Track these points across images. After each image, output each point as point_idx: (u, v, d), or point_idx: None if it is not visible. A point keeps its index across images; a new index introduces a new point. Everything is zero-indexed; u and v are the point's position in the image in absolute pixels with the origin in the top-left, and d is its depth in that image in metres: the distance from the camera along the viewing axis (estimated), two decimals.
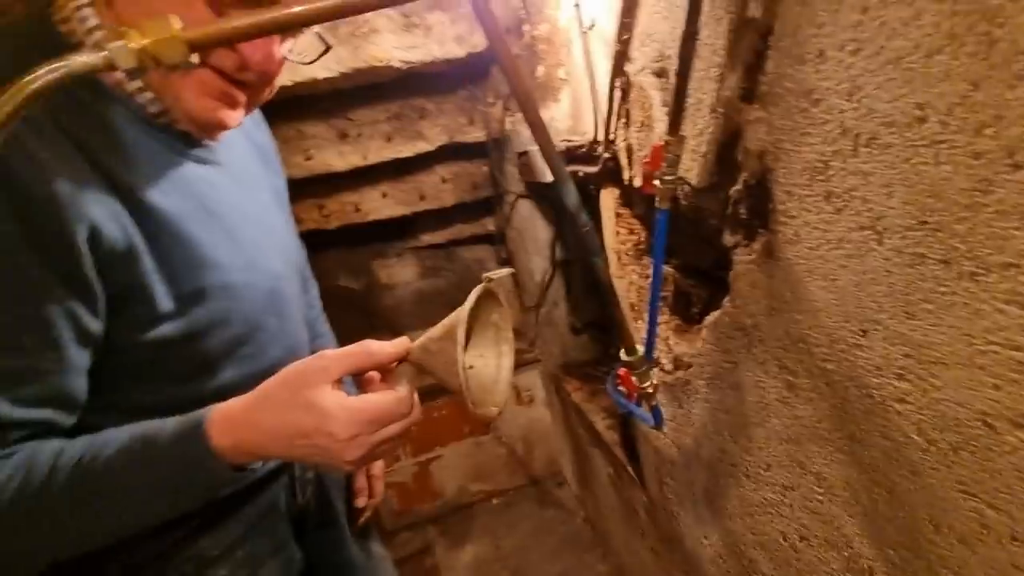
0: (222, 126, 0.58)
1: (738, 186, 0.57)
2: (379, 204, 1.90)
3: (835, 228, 0.45)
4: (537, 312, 1.92)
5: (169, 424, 0.52)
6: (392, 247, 2.22)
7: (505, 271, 0.60)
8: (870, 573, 0.53)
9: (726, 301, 0.65)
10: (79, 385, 0.53)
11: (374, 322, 2.25)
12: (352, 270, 2.19)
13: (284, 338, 0.73)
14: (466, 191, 1.94)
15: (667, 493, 1.04)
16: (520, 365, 2.20)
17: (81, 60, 0.29)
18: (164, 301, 0.56)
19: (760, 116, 0.51)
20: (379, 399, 0.52)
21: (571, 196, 0.53)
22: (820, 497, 0.57)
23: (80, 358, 0.52)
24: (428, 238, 2.17)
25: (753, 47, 0.50)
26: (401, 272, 2.27)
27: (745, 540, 0.77)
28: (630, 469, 1.26)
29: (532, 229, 1.75)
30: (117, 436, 0.52)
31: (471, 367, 0.57)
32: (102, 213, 0.50)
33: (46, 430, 0.52)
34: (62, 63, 0.29)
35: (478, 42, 1.42)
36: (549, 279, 1.80)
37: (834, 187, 0.44)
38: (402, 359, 0.54)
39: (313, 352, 0.57)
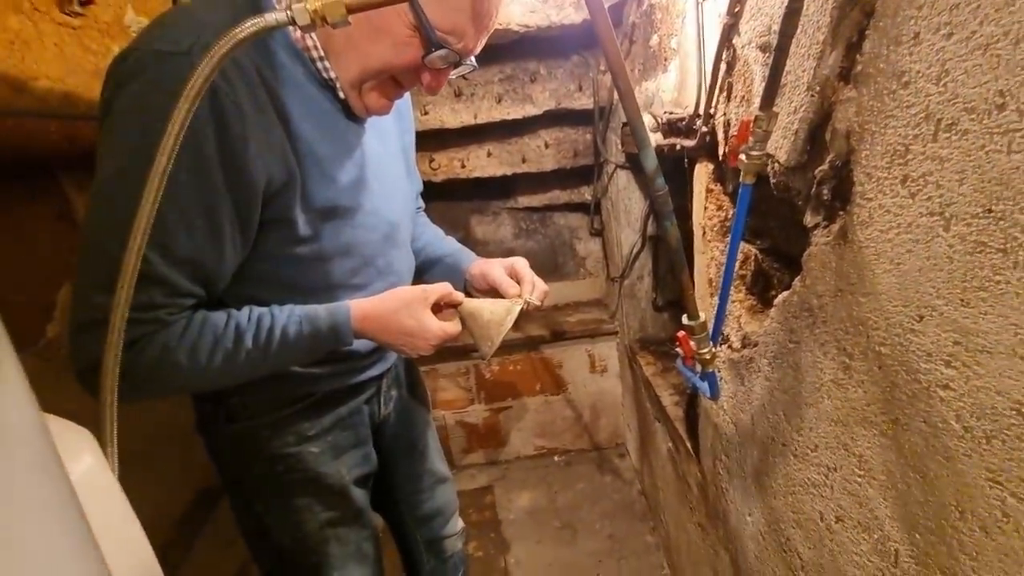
0: (384, 114, 0.75)
1: (824, 167, 0.58)
2: (483, 162, 2.00)
3: (907, 212, 0.46)
4: (620, 284, 1.94)
5: (321, 309, 0.74)
6: (491, 205, 2.33)
7: (537, 298, 0.88)
8: (896, 555, 0.54)
9: (797, 281, 0.66)
10: (227, 276, 0.69)
11: None
12: (452, 223, 2.34)
13: (389, 274, 0.86)
14: (567, 157, 1.98)
15: (719, 469, 1.06)
16: (598, 335, 2.26)
17: (274, 16, 0.40)
18: (303, 227, 0.71)
19: (851, 96, 0.51)
20: (451, 327, 0.78)
21: (650, 160, 0.57)
22: (859, 479, 0.59)
23: (234, 257, 0.67)
24: (525, 200, 2.25)
25: (856, 25, 0.50)
26: (496, 230, 2.38)
27: (785, 518, 0.78)
28: (688, 444, 1.29)
29: (627, 200, 1.76)
30: (283, 310, 0.73)
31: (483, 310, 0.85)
32: (278, 160, 0.64)
33: (199, 305, 0.68)
34: (259, 19, 0.40)
35: None
36: (637, 252, 1.81)
37: (911, 171, 0.44)
38: (457, 305, 0.82)
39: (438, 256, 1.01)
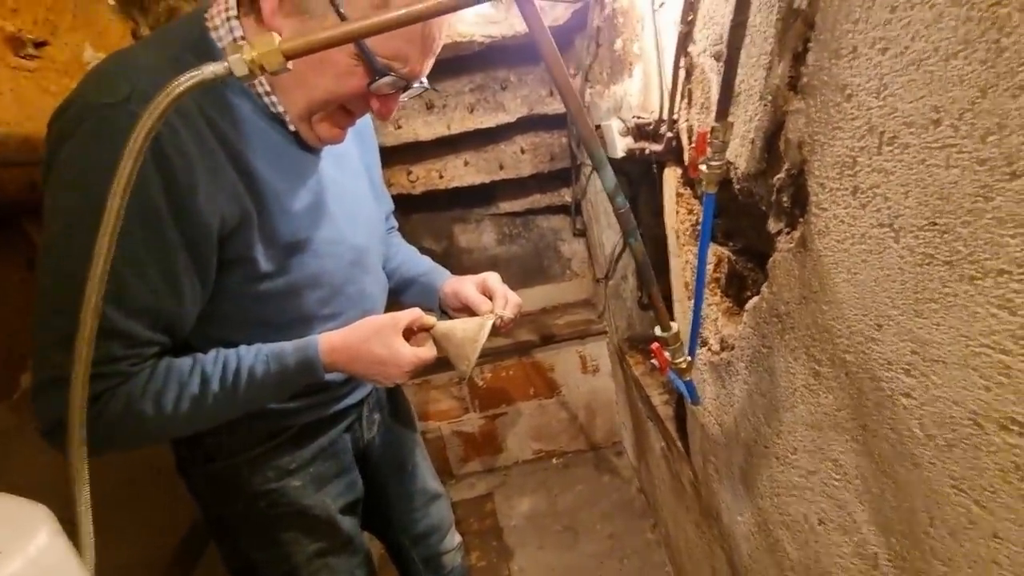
0: (337, 143, 0.74)
1: (781, 175, 0.58)
2: (461, 172, 2.00)
3: (859, 223, 0.46)
4: (605, 284, 1.94)
5: (288, 346, 0.73)
6: (472, 213, 2.32)
7: (511, 312, 0.89)
8: (875, 559, 0.54)
9: (765, 287, 0.66)
10: (189, 319, 0.68)
11: None
12: (434, 233, 2.33)
13: (362, 302, 0.85)
14: (544, 162, 1.98)
15: (710, 470, 1.07)
16: (587, 335, 2.27)
17: (210, 69, 0.39)
18: (264, 263, 0.70)
19: (800, 107, 0.51)
20: (425, 352, 0.76)
21: (608, 180, 0.57)
22: (836, 483, 0.59)
23: (194, 301, 0.66)
24: (507, 206, 2.24)
25: (800, 36, 0.50)
26: (480, 237, 2.38)
27: (773, 519, 0.79)
28: (680, 444, 1.29)
29: (605, 202, 1.76)
30: (250, 350, 0.72)
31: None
32: (230, 201, 0.63)
33: (163, 352, 0.67)
34: (197, 71, 0.39)
35: (559, 15, 1.43)
36: (619, 252, 1.81)
37: (860, 183, 0.45)
38: (429, 328, 0.81)
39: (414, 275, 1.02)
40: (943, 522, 0.43)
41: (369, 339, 0.73)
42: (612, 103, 1.31)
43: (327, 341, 0.73)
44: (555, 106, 1.78)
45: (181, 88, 0.41)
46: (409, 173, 1.98)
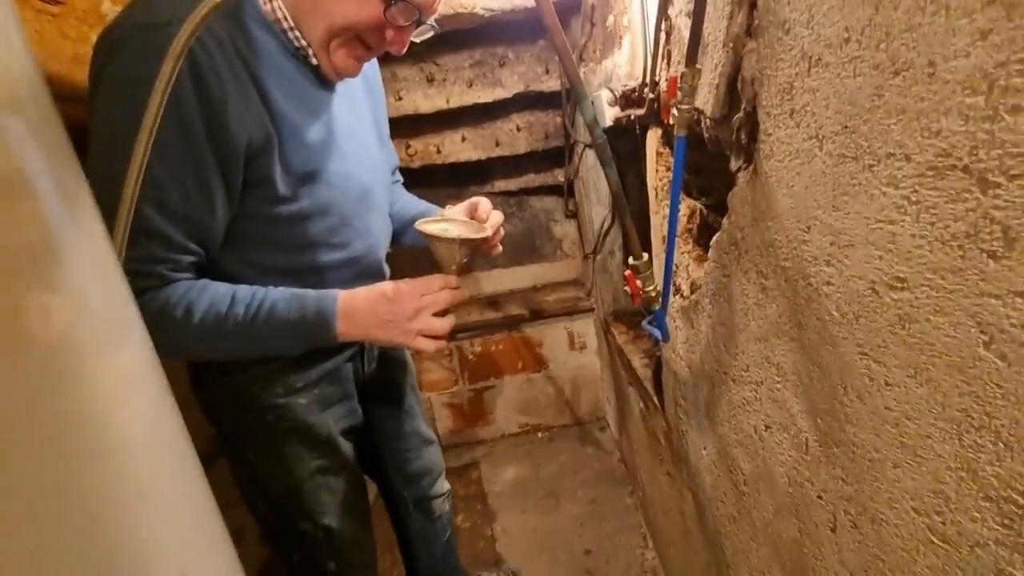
0: (352, 75, 0.81)
1: (740, 114, 0.66)
2: (458, 147, 2.07)
3: (794, 140, 0.54)
4: (593, 259, 2.02)
5: (311, 291, 0.80)
6: (468, 191, 2.40)
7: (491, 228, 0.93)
8: (806, 444, 0.63)
9: (724, 219, 0.74)
10: (218, 233, 0.75)
11: None
12: None
13: (367, 235, 0.93)
14: (539, 140, 2.06)
15: (679, 414, 1.15)
16: (576, 312, 2.35)
17: None
18: (282, 187, 0.77)
19: (753, 48, 0.60)
20: (425, 277, 0.81)
21: (587, 111, 0.65)
22: (778, 386, 0.67)
23: (223, 214, 0.74)
24: (502, 185, 2.32)
25: None
26: None
27: (729, 440, 0.87)
28: (655, 399, 1.38)
29: (596, 178, 1.85)
30: (279, 290, 0.79)
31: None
32: (255, 122, 0.71)
33: (198, 263, 0.75)
34: None
35: None
36: (608, 227, 1.89)
37: (795, 104, 0.53)
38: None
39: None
40: (852, 387, 0.51)
41: (382, 291, 0.81)
42: (603, 77, 1.39)
43: (346, 293, 0.81)
44: (551, 84, 1.86)
45: (216, 1, 0.48)
46: (408, 147, 2.05)
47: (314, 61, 0.77)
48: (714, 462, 0.98)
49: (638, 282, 0.79)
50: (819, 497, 0.62)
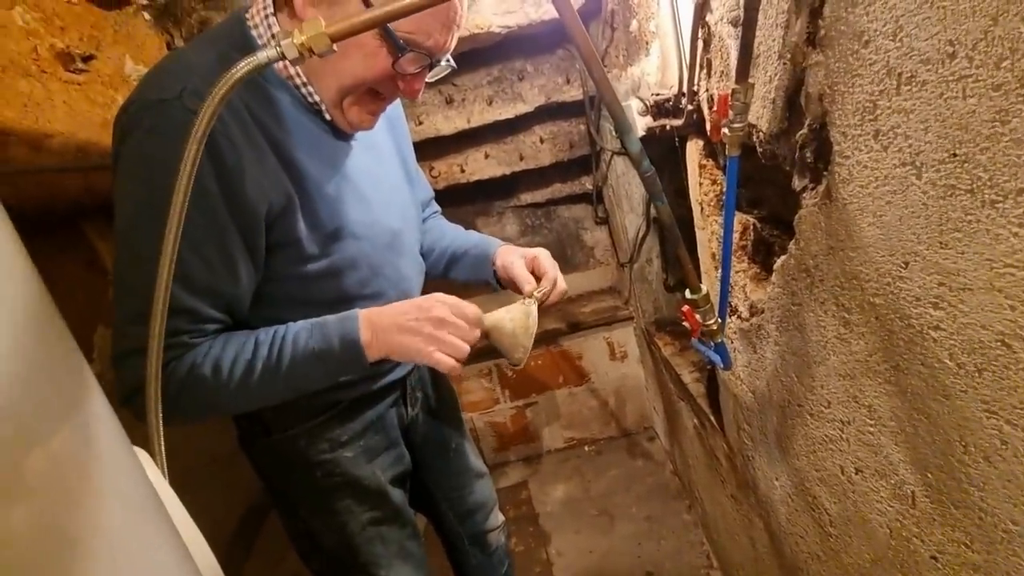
0: (368, 128, 0.78)
1: (803, 130, 0.60)
2: (482, 165, 2.03)
3: (882, 165, 0.47)
4: (630, 269, 1.95)
5: (332, 317, 0.75)
6: (494, 206, 2.36)
7: (555, 298, 0.93)
8: (912, 498, 0.56)
9: (792, 244, 0.68)
10: (245, 299, 0.73)
11: None
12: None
13: (400, 282, 0.89)
14: (563, 150, 2.00)
15: (744, 439, 1.08)
16: (614, 322, 2.28)
17: (264, 54, 0.43)
18: (308, 245, 0.74)
19: (819, 60, 0.53)
20: (461, 301, 0.76)
21: (633, 144, 0.60)
22: (872, 429, 0.60)
23: (248, 281, 0.71)
24: (528, 197, 2.27)
25: None
26: (503, 229, 2.41)
27: (810, 477, 0.80)
28: (712, 418, 1.30)
29: (627, 186, 1.78)
30: (298, 323, 0.75)
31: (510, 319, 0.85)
32: (274, 186, 0.68)
33: (224, 328, 0.72)
34: (252, 57, 0.43)
35: (574, 1, 1.45)
36: (643, 235, 1.82)
37: (881, 125, 0.46)
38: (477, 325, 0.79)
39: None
40: (977, 447, 0.44)
41: (406, 304, 0.77)
42: (630, 84, 1.33)
43: (367, 311, 0.76)
44: (572, 93, 1.81)
45: (239, 73, 0.45)
46: (432, 169, 2.02)
47: (328, 117, 0.74)
48: (790, 495, 0.90)
49: (697, 316, 0.73)
50: (933, 558, 0.55)
